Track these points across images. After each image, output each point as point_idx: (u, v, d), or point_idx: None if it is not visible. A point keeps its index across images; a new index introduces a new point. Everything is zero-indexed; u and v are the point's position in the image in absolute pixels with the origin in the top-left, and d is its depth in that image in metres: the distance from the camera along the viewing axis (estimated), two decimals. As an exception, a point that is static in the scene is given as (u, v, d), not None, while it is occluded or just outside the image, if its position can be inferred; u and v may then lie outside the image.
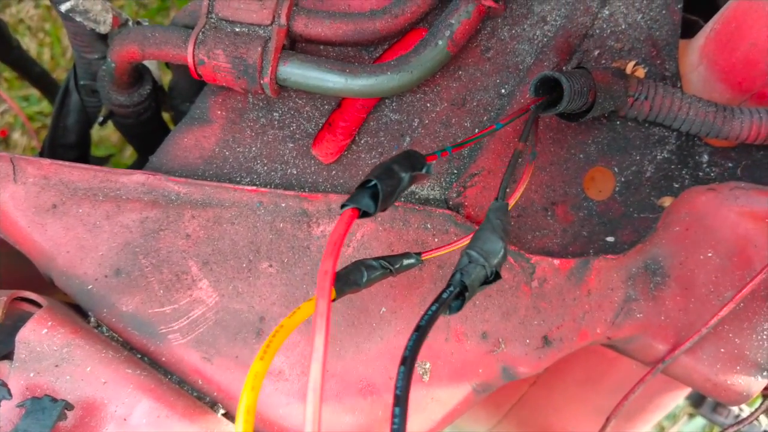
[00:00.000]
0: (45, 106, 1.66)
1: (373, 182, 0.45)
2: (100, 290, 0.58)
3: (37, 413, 0.48)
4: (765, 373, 0.61)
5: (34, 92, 1.70)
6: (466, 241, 0.56)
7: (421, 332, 0.40)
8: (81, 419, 0.52)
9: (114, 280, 0.59)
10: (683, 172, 0.65)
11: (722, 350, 0.61)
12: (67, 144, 0.81)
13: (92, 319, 0.59)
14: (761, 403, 0.63)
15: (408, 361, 0.38)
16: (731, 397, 0.61)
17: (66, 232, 0.59)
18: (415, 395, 0.58)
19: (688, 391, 0.82)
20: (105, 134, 1.61)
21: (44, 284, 0.63)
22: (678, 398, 0.79)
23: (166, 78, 0.84)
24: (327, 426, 0.56)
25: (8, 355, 0.54)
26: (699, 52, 0.67)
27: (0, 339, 0.56)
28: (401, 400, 0.36)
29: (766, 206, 0.59)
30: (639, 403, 0.78)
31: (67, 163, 0.59)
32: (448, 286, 0.45)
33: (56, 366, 0.54)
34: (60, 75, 1.68)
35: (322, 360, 0.38)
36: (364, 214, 0.45)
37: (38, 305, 0.58)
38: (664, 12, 0.67)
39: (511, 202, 0.55)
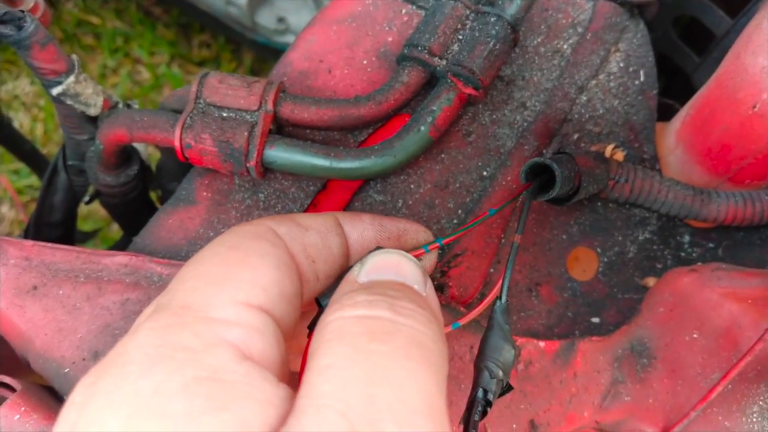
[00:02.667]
0: (34, 180, 1.68)
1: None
2: (78, 374, 0.57)
3: None
4: (758, 456, 0.60)
5: (24, 166, 1.71)
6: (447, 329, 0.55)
7: None
8: None
9: (92, 363, 0.57)
10: (665, 252, 0.66)
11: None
12: (53, 222, 0.81)
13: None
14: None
15: None
16: (724, 484, 0.60)
17: (45, 314, 0.58)
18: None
19: None
20: (93, 209, 1.61)
21: (19, 365, 0.62)
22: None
23: (155, 156, 0.86)
24: None
25: (-23, 444, 0.52)
26: (675, 136, 0.69)
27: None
28: None
29: (749, 287, 0.59)
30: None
31: (49, 244, 0.59)
32: (475, 404, 0.43)
33: (27, 456, 0.52)
34: (52, 149, 1.70)
35: None
36: None
37: (12, 389, 0.56)
38: (640, 97, 0.70)
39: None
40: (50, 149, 1.70)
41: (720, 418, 0.60)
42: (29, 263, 0.59)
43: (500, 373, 0.43)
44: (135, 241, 0.63)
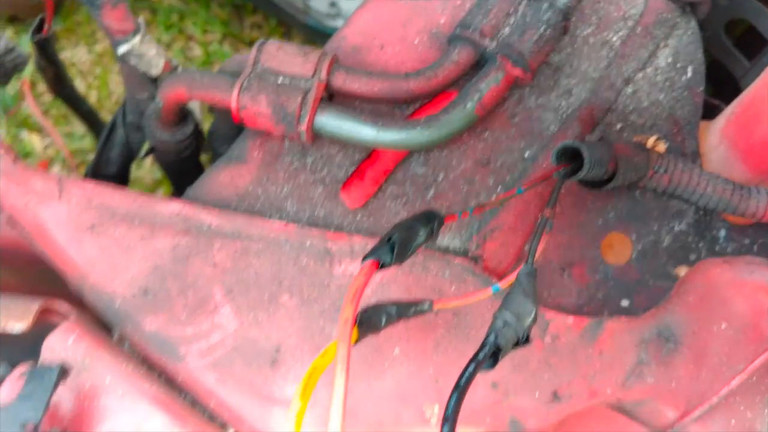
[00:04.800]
0: (86, 143, 1.74)
1: (392, 237, 0.49)
2: (127, 308, 0.61)
3: (37, 378, 0.50)
4: (777, 450, 0.60)
5: (77, 130, 1.78)
6: (480, 296, 0.58)
7: (460, 392, 0.41)
8: (96, 424, 0.53)
9: (141, 299, 0.61)
10: (700, 244, 0.67)
11: (733, 422, 0.60)
12: (108, 175, 0.85)
13: (116, 335, 0.62)
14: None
15: (450, 420, 0.39)
16: (741, 473, 0.61)
17: (101, 251, 0.62)
18: (422, 439, 0.58)
19: None
20: (140, 175, 1.67)
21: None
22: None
23: (206, 124, 0.89)
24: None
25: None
26: (720, 133, 0.70)
27: (27, 345, 0.59)
28: None
29: (780, 280, 0.60)
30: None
31: (109, 186, 0.63)
32: (484, 346, 0.46)
33: (78, 374, 0.55)
34: (104, 116, 1.76)
35: (343, 401, 0.40)
36: (383, 266, 0.48)
37: (65, 317, 0.60)
38: (686, 93, 0.71)
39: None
40: (103, 116, 1.76)
41: (742, 408, 0.61)
42: (89, 203, 0.63)
43: (514, 323, 0.45)
44: (187, 192, 0.67)
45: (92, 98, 1.82)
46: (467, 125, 0.65)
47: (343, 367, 0.41)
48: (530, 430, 0.59)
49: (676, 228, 0.67)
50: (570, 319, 0.61)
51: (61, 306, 0.60)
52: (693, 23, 0.73)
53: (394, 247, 0.48)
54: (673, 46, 0.72)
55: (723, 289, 0.61)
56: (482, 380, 0.60)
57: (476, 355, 0.44)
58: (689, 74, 0.71)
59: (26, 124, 1.82)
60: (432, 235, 0.52)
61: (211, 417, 0.60)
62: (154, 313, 0.61)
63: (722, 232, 0.67)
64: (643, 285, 0.65)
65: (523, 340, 0.47)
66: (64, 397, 0.55)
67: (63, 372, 0.51)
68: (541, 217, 0.54)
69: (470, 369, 0.43)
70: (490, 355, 0.45)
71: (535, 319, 0.48)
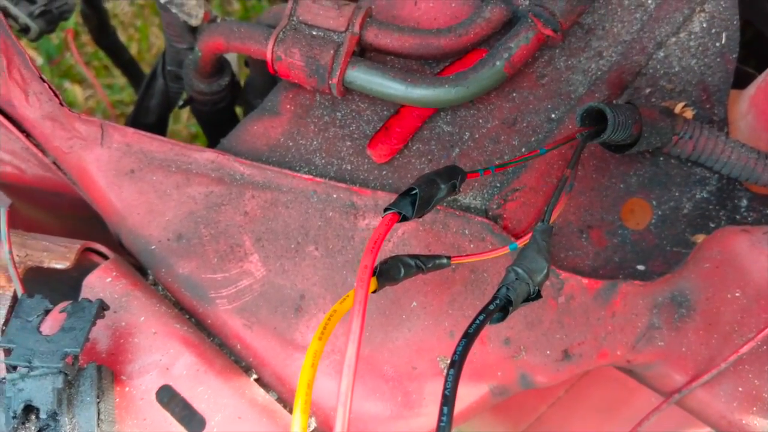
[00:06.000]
0: (125, 95, 1.78)
1: (414, 191, 0.50)
2: (162, 252, 0.64)
3: (78, 312, 0.54)
4: (782, 418, 0.62)
5: (117, 82, 1.82)
6: (497, 253, 0.59)
7: (469, 339, 0.43)
8: (129, 360, 0.57)
9: (175, 244, 0.64)
10: (720, 213, 0.67)
11: (740, 389, 0.62)
12: (147, 123, 0.88)
13: (150, 278, 0.65)
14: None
15: (457, 364, 0.42)
16: (744, 437, 0.62)
17: (139, 195, 0.65)
18: (433, 388, 0.61)
19: None
20: (176, 129, 1.71)
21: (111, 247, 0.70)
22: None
23: (242, 78, 0.91)
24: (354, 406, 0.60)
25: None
26: (749, 101, 0.69)
27: (68, 282, 0.63)
28: (449, 400, 0.40)
29: (799, 252, 0.60)
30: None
31: (148, 134, 0.66)
32: (495, 299, 0.48)
33: (114, 312, 0.59)
34: (144, 68, 1.79)
35: (358, 342, 0.42)
36: (404, 218, 0.50)
37: (105, 257, 0.64)
38: (718, 59, 0.70)
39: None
40: (143, 68, 1.79)
41: (750, 375, 0.62)
42: (129, 149, 0.66)
43: (526, 277, 0.47)
44: (222, 142, 0.69)
45: (132, 50, 1.85)
46: (496, 83, 0.66)
47: (360, 311, 0.43)
48: (538, 383, 0.61)
49: (698, 195, 0.67)
50: (585, 281, 0.62)
51: (101, 248, 0.64)
52: (732, -13, 0.71)
53: (415, 201, 0.50)
54: (709, 11, 0.71)
55: (740, 257, 0.62)
56: (495, 336, 0.62)
57: (487, 306, 0.46)
58: (723, 40, 0.70)
59: (69, 74, 1.87)
60: (454, 190, 0.54)
61: (236, 360, 0.63)
62: (187, 258, 0.64)
63: (744, 202, 0.67)
64: (660, 251, 0.66)
65: (534, 295, 0.49)
66: (101, 333, 0.60)
67: (102, 307, 0.55)
68: (561, 177, 0.55)
69: (480, 319, 0.45)
70: (500, 307, 0.47)
71: (547, 276, 0.50)
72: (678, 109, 0.68)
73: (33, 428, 0.51)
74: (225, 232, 0.65)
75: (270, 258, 0.64)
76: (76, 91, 1.80)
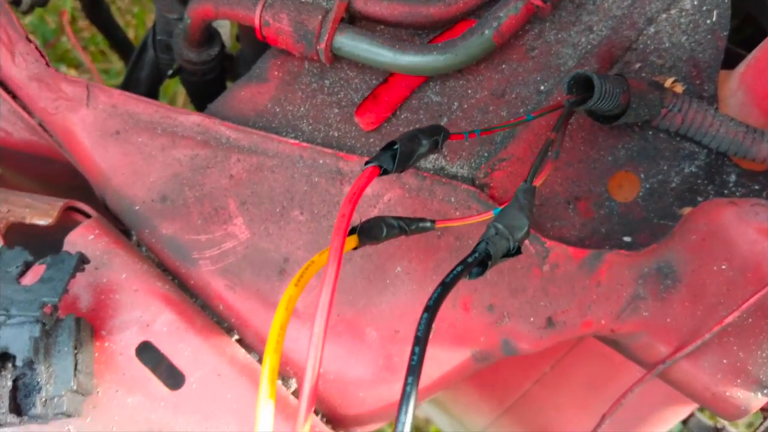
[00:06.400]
0: (114, 65, 1.79)
1: (395, 145, 0.50)
2: (146, 212, 0.64)
3: (57, 264, 0.53)
4: (765, 391, 0.61)
5: (114, 67, 1.82)
6: (482, 218, 0.59)
7: (445, 287, 0.43)
8: (110, 316, 0.57)
9: (159, 205, 0.64)
10: (709, 187, 0.67)
11: (725, 361, 0.61)
12: (138, 94, 0.88)
13: (134, 238, 0.65)
14: (761, 423, 0.64)
15: (431, 309, 0.41)
16: (728, 411, 0.62)
17: (124, 157, 0.65)
18: (417, 351, 0.60)
19: (689, 409, 0.82)
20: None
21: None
22: (679, 415, 0.79)
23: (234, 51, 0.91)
24: (327, 361, 0.60)
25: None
26: (739, 78, 0.69)
27: (50, 243, 0.62)
28: (421, 341, 0.40)
29: (785, 224, 0.60)
30: (639, 413, 0.78)
31: (134, 95, 0.66)
32: (473, 252, 0.48)
33: (96, 269, 0.59)
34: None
35: (332, 288, 0.42)
36: (385, 172, 0.50)
37: (88, 216, 0.63)
38: (709, 36, 0.70)
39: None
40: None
41: (735, 348, 0.62)
42: (115, 110, 0.65)
43: (506, 233, 0.47)
44: (209, 107, 0.69)
45: (129, 35, 1.85)
46: (484, 52, 0.65)
47: (335, 258, 0.43)
48: (521, 350, 0.61)
49: (686, 170, 0.67)
50: (570, 250, 0.62)
51: (84, 206, 0.64)
52: (724, -34, 0.71)
53: (396, 155, 0.50)
54: (701, -11, 0.71)
55: (726, 229, 0.62)
56: (479, 303, 0.62)
57: (465, 258, 0.46)
58: (714, 18, 0.70)
59: (65, 59, 1.87)
60: (436, 147, 0.53)
61: (218, 321, 0.63)
62: (171, 219, 0.64)
63: (732, 177, 0.67)
64: (648, 223, 0.66)
65: (514, 251, 0.48)
66: (82, 289, 0.59)
67: (82, 260, 0.55)
68: (546, 140, 0.55)
69: (458, 270, 0.44)
70: (479, 261, 0.47)
71: (527, 233, 0.49)
72: (668, 83, 0.68)
73: (9, 376, 0.50)
74: (210, 194, 0.64)
75: (254, 221, 0.64)
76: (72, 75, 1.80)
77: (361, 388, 0.61)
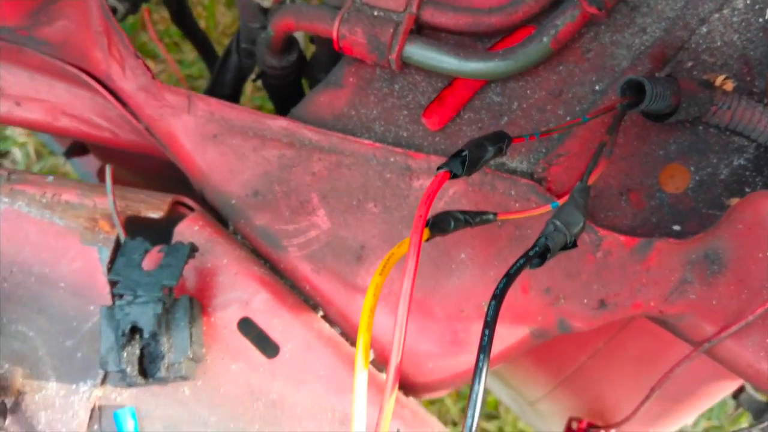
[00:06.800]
0: (194, 70, 1.90)
1: (464, 152, 0.57)
2: (241, 205, 0.73)
3: (173, 252, 0.63)
4: (806, 370, 0.66)
5: (186, 57, 1.94)
6: (540, 211, 0.66)
7: (509, 278, 0.50)
8: (214, 296, 0.67)
9: (252, 199, 0.73)
10: (757, 179, 0.71)
11: (767, 341, 0.66)
12: (223, 95, 0.97)
13: (231, 228, 0.74)
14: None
15: (498, 297, 0.48)
16: (766, 384, 0.67)
17: (221, 157, 0.74)
18: (479, 328, 0.67)
19: (735, 384, 0.86)
20: (242, 102, 1.81)
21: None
22: (725, 389, 0.83)
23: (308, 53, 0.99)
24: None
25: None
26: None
27: (159, 232, 0.72)
28: (490, 325, 0.47)
29: (829, 217, 0.64)
30: (688, 387, 0.83)
31: (228, 103, 0.75)
32: (534, 246, 0.55)
33: (201, 255, 0.68)
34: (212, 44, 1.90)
35: (412, 278, 0.49)
36: (454, 176, 0.57)
37: (191, 209, 0.73)
38: (760, 34, 0.73)
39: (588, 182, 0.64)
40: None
41: (778, 329, 0.66)
42: (212, 116, 0.74)
43: (563, 229, 0.53)
44: (292, 111, 0.77)
45: (200, 26, 1.97)
46: (542, 58, 0.71)
47: (414, 253, 0.50)
48: (575, 328, 0.67)
49: (735, 162, 0.71)
50: (622, 238, 0.68)
51: (188, 201, 0.73)
52: (778, -36, 0.74)
53: (465, 161, 0.57)
54: (753, -12, 0.74)
55: (772, 219, 0.66)
56: (537, 286, 0.68)
57: (527, 251, 0.53)
58: (767, 15, 0.73)
59: (142, 50, 1.99)
60: (500, 152, 0.60)
61: (305, 299, 0.72)
62: (263, 211, 0.73)
63: (781, 168, 0.71)
64: (696, 213, 0.71)
65: (571, 245, 0.55)
66: (190, 273, 0.69)
67: (193, 248, 0.64)
68: (600, 142, 0.61)
69: (521, 262, 0.51)
70: (539, 254, 0.53)
71: (582, 228, 0.56)
72: (719, 81, 0.72)
73: (138, 345, 0.61)
74: (295, 189, 0.73)
75: (334, 213, 0.72)
76: (149, 66, 1.93)
77: (431, 360, 0.69)
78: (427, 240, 0.60)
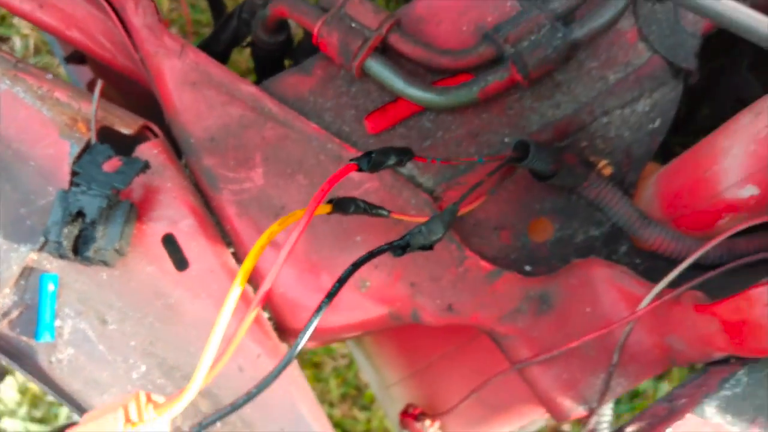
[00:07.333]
0: (205, 17, 2.03)
1: (372, 153, 0.73)
2: (197, 145, 0.88)
3: (130, 164, 0.78)
4: (584, 407, 0.83)
5: (200, 4, 2.07)
6: (422, 219, 0.82)
7: (371, 255, 0.66)
8: (151, 209, 0.82)
9: (208, 143, 0.88)
10: (603, 250, 0.88)
11: (564, 376, 0.83)
12: (216, 51, 1.11)
13: (183, 161, 0.89)
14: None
15: (356, 265, 0.65)
16: (555, 412, 0.84)
17: (193, 102, 0.89)
18: (350, 297, 0.84)
19: (538, 413, 1.04)
20: (239, 59, 1.95)
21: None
22: (535, 413, 1.01)
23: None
24: (287, 284, 0.84)
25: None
26: (657, 176, 0.89)
27: (126, 145, 0.87)
28: (342, 280, 0.63)
29: (638, 292, 0.81)
30: (505, 402, 1.00)
31: (214, 60, 0.89)
32: (401, 239, 0.71)
33: (152, 174, 0.83)
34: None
35: (300, 231, 0.65)
36: (360, 169, 0.73)
37: (156, 136, 0.88)
38: (647, 138, 0.90)
39: (463, 210, 0.80)
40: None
41: (575, 370, 0.84)
42: (197, 66, 0.89)
43: (425, 232, 0.69)
44: (263, 83, 0.92)
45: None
46: (469, 103, 0.87)
47: (309, 211, 0.66)
48: (423, 321, 0.84)
49: (591, 233, 0.88)
50: (482, 262, 0.84)
51: (155, 128, 0.88)
52: (680, 87, 0.91)
53: (370, 160, 0.72)
54: (654, 99, 0.90)
55: (598, 283, 0.83)
56: (406, 279, 0.84)
57: (393, 242, 0.69)
58: (657, 124, 0.90)
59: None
60: (401, 163, 0.76)
61: (223, 235, 0.87)
62: (213, 155, 0.88)
63: (623, 248, 0.88)
64: (547, 262, 0.88)
65: (427, 247, 0.71)
66: (137, 185, 0.84)
67: (147, 165, 0.79)
68: (479, 181, 0.77)
69: (384, 247, 0.67)
70: (401, 246, 0.70)
71: (440, 238, 0.72)
72: (601, 164, 0.89)
73: (78, 227, 0.75)
74: (245, 145, 0.88)
75: (270, 174, 0.87)
76: (163, 3, 2.05)
77: (305, 311, 0.85)
78: (330, 213, 0.76)
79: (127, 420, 0.62)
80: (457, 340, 1.02)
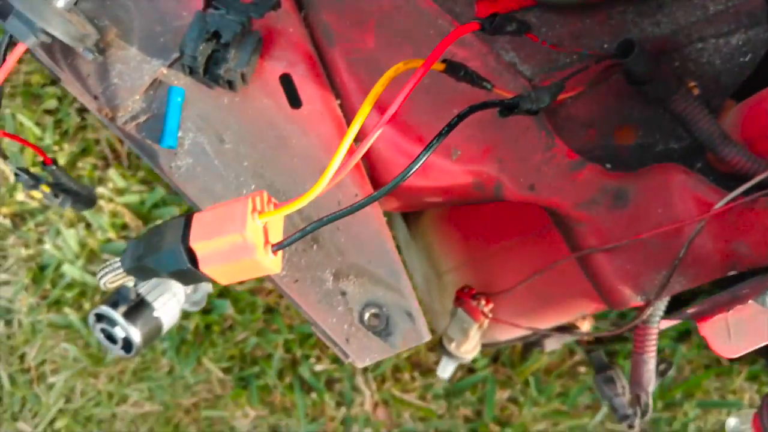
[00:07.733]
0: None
1: (497, 15, 0.78)
2: (319, 1, 0.92)
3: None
4: (642, 298, 0.89)
5: None
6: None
7: (472, 108, 0.72)
8: (275, 45, 0.87)
9: (329, 0, 0.93)
10: (678, 162, 0.94)
11: (628, 267, 0.89)
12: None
13: (302, 13, 0.94)
14: (633, 319, 0.92)
15: (451, 126, 0.70)
16: (612, 299, 0.90)
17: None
18: (441, 163, 0.89)
19: (593, 308, 1.10)
20: None
21: None
22: (584, 308, 1.07)
23: None
24: (387, 143, 0.90)
25: None
26: (738, 106, 0.95)
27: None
28: (441, 136, 0.69)
29: (712, 199, 0.87)
30: (557, 295, 1.07)
31: None
32: (511, 99, 0.76)
33: (278, 18, 0.88)
34: None
35: (417, 79, 0.70)
36: (483, 29, 0.77)
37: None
38: (736, 69, 0.95)
39: (562, 97, 0.86)
40: None
41: (640, 262, 0.90)
42: None
43: (534, 97, 0.75)
44: None
45: None
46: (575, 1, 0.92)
47: (431, 59, 0.71)
48: (504, 195, 0.90)
49: (671, 144, 0.94)
50: (568, 151, 0.90)
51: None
52: (774, 29, 0.95)
53: (493, 21, 0.77)
54: (749, 35, 0.95)
55: (674, 186, 0.89)
56: (495, 153, 0.90)
57: (503, 99, 0.74)
58: (747, 59, 0.95)
59: None
60: (519, 32, 0.81)
61: (332, 86, 0.92)
62: (332, 12, 0.92)
63: (698, 165, 0.94)
64: (626, 162, 0.93)
65: (533, 112, 0.76)
66: (266, 23, 0.88)
67: (278, 3, 0.84)
68: (585, 65, 0.82)
69: (495, 101, 0.73)
70: (510, 106, 0.75)
71: (546, 106, 0.77)
72: (690, 84, 0.94)
73: (212, 46, 0.80)
74: (362, 9, 0.93)
75: (380, 40, 0.92)
76: None
77: (397, 170, 0.90)
78: (441, 72, 0.81)
79: (254, 209, 0.68)
80: (518, 233, 1.08)
